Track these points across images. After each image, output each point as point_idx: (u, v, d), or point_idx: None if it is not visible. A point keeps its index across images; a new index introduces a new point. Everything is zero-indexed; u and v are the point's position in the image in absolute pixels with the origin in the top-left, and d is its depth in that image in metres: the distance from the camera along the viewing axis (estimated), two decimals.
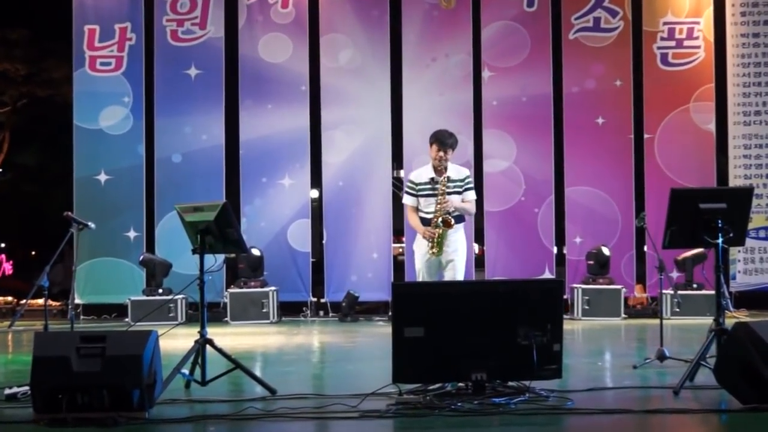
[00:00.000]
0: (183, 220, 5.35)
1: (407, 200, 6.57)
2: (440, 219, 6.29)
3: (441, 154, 6.36)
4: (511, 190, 11.23)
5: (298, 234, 11.25)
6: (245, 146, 11.30)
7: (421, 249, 6.47)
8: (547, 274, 11.03)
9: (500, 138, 11.24)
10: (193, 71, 11.26)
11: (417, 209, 6.51)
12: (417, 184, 6.50)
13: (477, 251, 11.98)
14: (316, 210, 12.18)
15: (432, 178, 6.41)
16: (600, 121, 11.25)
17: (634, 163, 11.24)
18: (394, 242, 11.45)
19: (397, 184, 12.30)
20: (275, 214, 11.27)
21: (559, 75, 11.27)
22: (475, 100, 11.27)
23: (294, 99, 11.28)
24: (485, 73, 11.30)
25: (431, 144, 6.45)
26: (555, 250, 11.36)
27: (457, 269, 6.40)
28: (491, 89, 11.29)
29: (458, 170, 6.51)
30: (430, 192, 6.40)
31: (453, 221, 6.29)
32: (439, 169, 6.39)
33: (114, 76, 11.24)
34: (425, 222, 6.42)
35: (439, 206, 6.32)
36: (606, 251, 10.76)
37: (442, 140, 6.40)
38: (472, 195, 6.50)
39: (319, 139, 11.31)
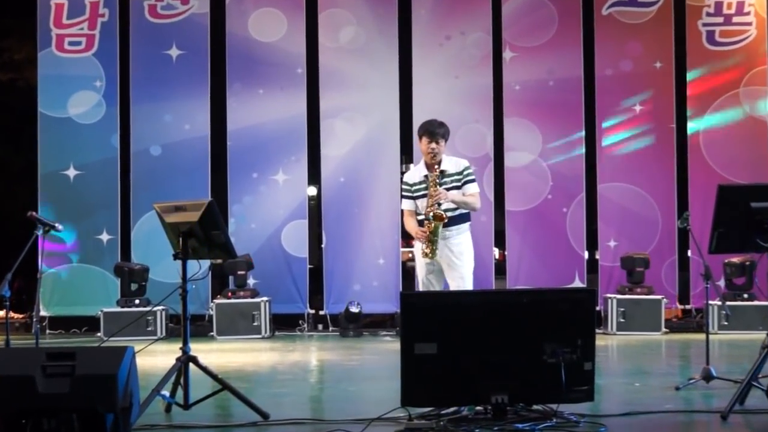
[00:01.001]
0: (163, 221, 5.35)
1: (404, 204, 6.60)
2: (430, 213, 6.29)
3: (432, 146, 6.39)
4: (536, 187, 11.22)
5: (294, 237, 11.26)
6: (233, 137, 11.31)
7: (420, 254, 6.50)
8: (577, 283, 11.02)
9: (524, 128, 11.24)
10: (174, 52, 11.29)
11: (415, 213, 6.53)
12: (412, 185, 6.52)
13: (497, 256, 11.97)
14: (314, 210, 12.18)
15: (426, 176, 6.44)
16: (638, 108, 11.24)
17: (677, 155, 11.22)
18: (402, 246, 11.46)
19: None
20: (268, 214, 11.28)
21: (591, 56, 11.26)
22: (495, 85, 11.27)
23: (289, 83, 11.29)
24: (506, 54, 11.30)
25: (420, 137, 6.50)
26: (586, 255, 11.35)
27: (464, 276, 6.40)
28: (513, 72, 11.28)
29: (455, 162, 6.52)
30: (425, 191, 6.41)
31: (445, 214, 6.28)
32: (432, 163, 6.41)
33: (84, 57, 11.26)
34: (421, 224, 6.44)
35: (429, 199, 6.32)
36: (644, 256, 10.74)
37: (431, 131, 6.44)
38: (473, 187, 6.51)
39: (318, 129, 11.31)
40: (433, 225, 6.28)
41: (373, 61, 11.34)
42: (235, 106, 11.32)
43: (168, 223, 5.31)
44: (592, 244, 11.60)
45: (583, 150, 11.23)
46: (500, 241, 11.60)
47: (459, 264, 6.40)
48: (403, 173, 11.70)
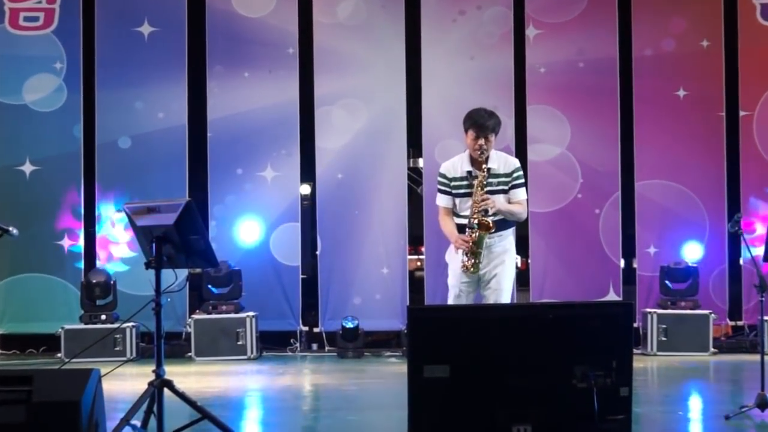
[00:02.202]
0: (133, 224, 5.36)
1: (440, 200, 6.58)
2: (475, 220, 6.28)
3: (481, 142, 6.36)
4: (564, 184, 11.22)
5: (285, 242, 11.26)
6: (215, 127, 11.31)
7: (454, 262, 6.48)
8: (612, 296, 11.01)
9: (550, 116, 11.23)
10: (146, 28, 11.29)
11: (452, 212, 6.51)
12: (451, 180, 6.50)
13: (519, 265, 11.97)
14: (308, 211, 12.18)
15: (470, 172, 6.42)
16: (681, 93, 11.23)
17: (726, 148, 11.21)
18: (410, 254, 11.44)
19: (415, 177, 12.31)
20: (254, 216, 11.28)
21: (628, 33, 11.25)
22: (516, 67, 11.26)
23: (278, 65, 11.29)
24: (530, 31, 11.29)
25: (466, 130, 6.45)
26: (622, 263, 11.34)
27: (502, 289, 6.41)
28: (538, 52, 11.28)
29: (505, 160, 6.51)
30: (468, 190, 6.40)
31: (492, 222, 6.28)
32: (480, 160, 6.39)
33: (42, 35, 11.27)
34: (462, 229, 6.41)
35: (475, 204, 6.31)
36: (690, 265, 10.72)
37: (481, 123, 6.38)
38: (522, 194, 6.51)
39: (312, 118, 11.31)
40: (477, 235, 6.27)
41: (376, 39, 11.34)
42: (217, 92, 11.32)
43: (139, 227, 5.32)
44: (628, 250, 11.57)
45: (618, 141, 11.22)
46: (522, 247, 11.56)
47: (498, 274, 6.40)
48: (410, 168, 11.77)
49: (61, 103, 11.23)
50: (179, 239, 5.20)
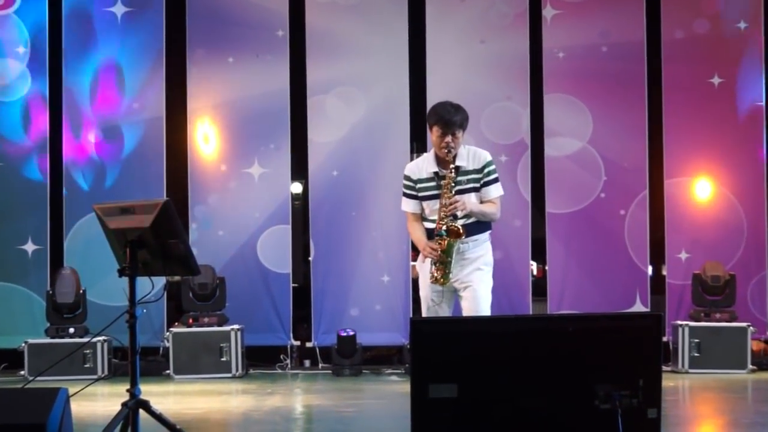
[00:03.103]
0: (105, 226, 5.36)
1: (406, 205, 6.61)
2: (443, 227, 6.29)
3: (448, 139, 6.37)
4: (585, 182, 11.22)
5: (274, 247, 11.27)
6: (196, 119, 11.33)
7: (424, 271, 6.51)
8: (639, 306, 11.02)
9: (569, 106, 11.24)
10: (119, 9, 11.30)
11: (421, 217, 6.53)
12: (416, 182, 6.53)
13: (535, 272, 11.98)
14: (300, 212, 12.18)
15: (436, 173, 6.44)
16: (716, 81, 11.24)
17: (767, 142, 11.22)
18: (413, 260, 11.45)
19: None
20: (240, 218, 11.29)
21: (657, 14, 11.26)
22: (532, 51, 11.27)
23: (267, 49, 11.30)
24: (547, 12, 11.30)
25: (430, 126, 6.48)
26: (650, 270, 11.35)
27: (478, 297, 6.42)
28: (556, 35, 11.29)
29: (474, 155, 6.50)
30: (436, 192, 6.42)
31: (462, 228, 6.29)
32: (446, 159, 6.40)
33: (2, 15, 11.27)
34: (429, 235, 6.44)
35: (442, 209, 6.32)
36: (725, 272, 10.72)
37: (447, 119, 6.39)
38: (494, 191, 6.51)
39: (304, 109, 11.32)
40: (446, 243, 6.28)
41: (375, 20, 11.36)
42: (198, 79, 11.33)
43: (112, 230, 5.32)
44: (657, 256, 11.58)
45: (646, 135, 11.23)
46: (539, 252, 11.59)
47: (474, 282, 6.41)
48: None
49: (24, 92, 11.24)
50: (156, 243, 5.21)
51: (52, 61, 11.28)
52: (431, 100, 11.13)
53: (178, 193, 11.07)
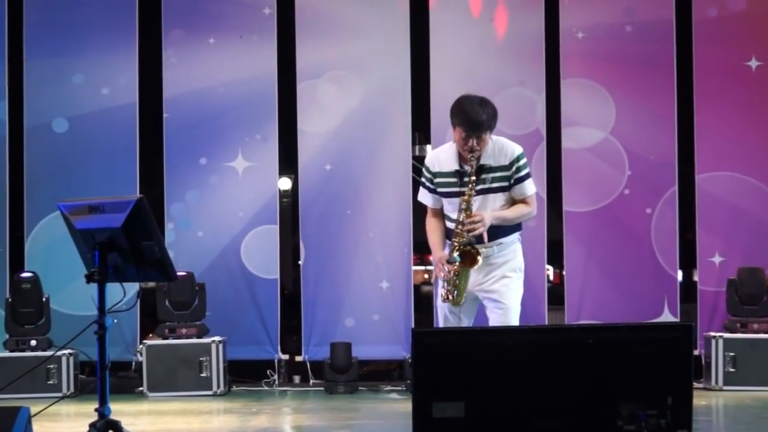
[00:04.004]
0: (71, 226, 5.36)
1: (424, 197, 6.59)
2: (456, 251, 6.27)
3: (472, 143, 6.33)
4: (607, 177, 11.22)
5: (260, 250, 11.27)
6: (172, 106, 11.33)
7: (439, 288, 6.51)
8: (667, 315, 11.02)
9: (589, 92, 11.24)
10: None
11: (441, 212, 6.52)
12: (435, 175, 6.52)
13: (551, 277, 12.00)
14: (289, 211, 12.18)
15: (458, 171, 6.42)
16: (753, 64, 11.23)
17: None
18: (415, 264, 11.46)
19: (421, 168, 12.31)
20: (221, 217, 11.30)
21: None
22: (548, 31, 11.26)
23: (252, 29, 11.30)
24: None
25: (454, 125, 6.44)
26: (680, 275, 11.35)
27: (508, 309, 6.40)
28: (575, 13, 11.28)
29: (501, 150, 6.45)
30: (455, 189, 6.40)
31: (480, 255, 6.27)
32: (469, 161, 6.37)
33: None
34: (451, 235, 6.43)
35: (460, 227, 6.29)
36: (764, 278, 10.72)
37: (475, 120, 6.32)
38: (528, 188, 6.48)
39: (293, 95, 11.32)
40: (460, 269, 6.27)
41: None
42: (175, 62, 11.33)
43: (78, 230, 5.32)
44: (687, 259, 11.59)
45: (675, 124, 11.23)
46: (556, 255, 11.59)
47: (502, 291, 6.40)
48: (416, 157, 11.76)
49: None
50: (128, 246, 5.21)
51: (12, 42, 11.28)
52: (435, 85, 11.18)
53: (152, 189, 11.08)
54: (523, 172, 6.43)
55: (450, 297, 6.32)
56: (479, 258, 6.24)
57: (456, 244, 6.26)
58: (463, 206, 6.28)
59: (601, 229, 11.22)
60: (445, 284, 6.32)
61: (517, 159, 6.41)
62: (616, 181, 11.23)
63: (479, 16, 11.32)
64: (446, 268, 6.26)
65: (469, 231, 6.23)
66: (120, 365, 10.77)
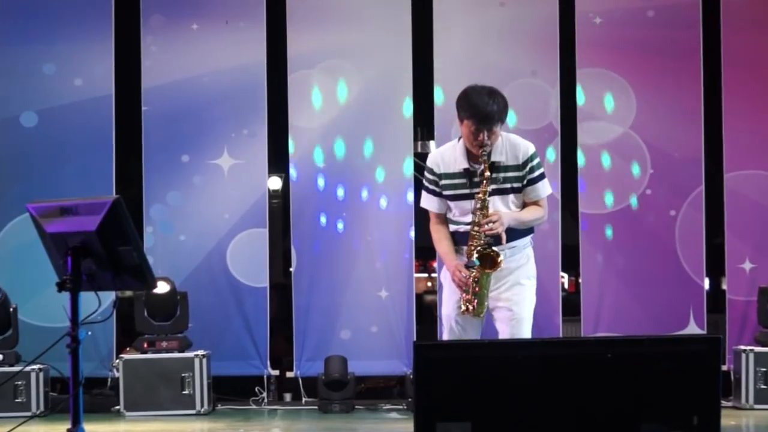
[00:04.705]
0: (41, 230, 5.36)
1: (428, 202, 6.60)
2: (474, 254, 6.27)
3: (483, 136, 6.33)
4: (627, 176, 11.22)
5: (247, 256, 11.27)
6: (152, 99, 11.33)
7: (451, 288, 6.50)
8: (693, 327, 11.02)
9: (608, 83, 11.24)
10: None
11: (445, 217, 6.52)
12: (440, 176, 6.51)
13: (566, 286, 12.00)
14: (279, 213, 12.18)
15: (467, 169, 6.41)
16: None
17: None
18: (417, 271, 11.46)
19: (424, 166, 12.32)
20: (206, 219, 11.30)
21: None
22: (563, 15, 11.26)
23: (239, 14, 11.30)
24: None
25: (461, 118, 6.45)
26: (707, 284, 11.34)
27: (520, 320, 6.42)
28: None
29: (513, 147, 6.48)
30: (465, 191, 6.40)
31: (500, 257, 6.27)
32: (480, 156, 6.36)
33: None
34: (461, 240, 6.43)
35: (476, 228, 6.30)
36: None
37: (484, 111, 6.34)
38: (542, 189, 6.50)
39: (285, 87, 11.33)
40: (480, 274, 6.27)
41: None
42: (155, 51, 11.33)
43: (49, 234, 5.32)
44: (716, 266, 11.58)
45: (702, 118, 11.23)
46: (571, 261, 11.59)
47: (514, 300, 6.40)
48: (418, 155, 11.76)
49: None
50: (104, 251, 5.21)
51: None
52: (438, 76, 11.20)
53: (130, 189, 11.08)
54: (537, 172, 6.45)
55: (470, 307, 6.31)
56: (500, 260, 6.25)
57: (473, 247, 6.26)
58: (479, 205, 6.28)
59: (620, 233, 11.22)
60: (464, 294, 6.31)
61: (531, 158, 6.44)
62: (636, 180, 11.23)
63: (487, 1, 11.32)
64: (465, 274, 6.26)
65: (486, 231, 6.23)
66: (94, 382, 10.77)
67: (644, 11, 11.25)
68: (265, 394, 11.10)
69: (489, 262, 6.26)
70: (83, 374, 5.36)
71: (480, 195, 6.30)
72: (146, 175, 11.31)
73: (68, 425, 5.26)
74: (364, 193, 11.29)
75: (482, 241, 6.26)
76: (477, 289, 6.30)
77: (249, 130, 11.32)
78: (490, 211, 6.29)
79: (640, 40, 11.26)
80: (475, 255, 6.25)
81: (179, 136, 11.33)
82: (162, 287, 10.41)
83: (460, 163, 6.43)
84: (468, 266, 6.27)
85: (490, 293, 6.40)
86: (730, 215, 11.24)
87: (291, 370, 11.28)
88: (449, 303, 6.51)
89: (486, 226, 6.24)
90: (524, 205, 6.49)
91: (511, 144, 6.45)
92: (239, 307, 11.22)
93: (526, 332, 6.44)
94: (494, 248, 6.26)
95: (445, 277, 6.61)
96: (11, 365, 10.29)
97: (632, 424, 4.62)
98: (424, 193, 6.63)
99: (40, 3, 11.27)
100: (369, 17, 11.33)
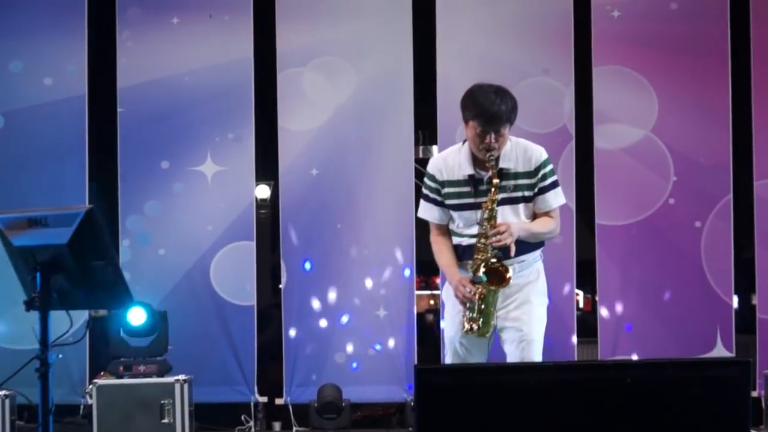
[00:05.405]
0: (7, 243, 5.37)
1: (427, 212, 6.61)
2: (481, 268, 6.26)
3: (489, 140, 6.32)
4: (648, 184, 11.23)
5: (233, 271, 11.29)
6: (128, 100, 11.34)
7: (454, 307, 6.50)
8: (720, 350, 11.03)
9: (627, 82, 11.26)
10: None
11: (447, 228, 6.53)
12: (443, 184, 6.51)
13: (581, 304, 12.00)
14: (267, 224, 12.18)
15: (472, 176, 6.41)
16: None
17: None
18: (419, 288, 11.46)
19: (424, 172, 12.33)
20: (187, 231, 11.32)
21: None
22: (578, 8, 11.27)
23: (224, 7, 11.33)
24: None
25: (466, 121, 6.45)
26: (735, 302, 11.35)
27: (531, 342, 6.42)
28: None
29: (523, 152, 6.49)
30: (470, 200, 6.41)
31: (509, 273, 6.27)
32: (487, 161, 6.35)
33: None
34: (464, 254, 6.44)
35: (483, 240, 6.29)
36: None
37: (490, 111, 6.34)
38: (554, 199, 6.51)
39: (274, 86, 11.35)
40: (486, 291, 6.26)
41: None
42: (131, 47, 11.35)
43: (16, 248, 5.32)
44: (745, 282, 11.59)
45: (730, 121, 11.23)
46: (587, 277, 11.59)
47: (524, 319, 6.41)
48: (419, 160, 11.77)
49: None
50: (76, 266, 5.22)
51: None
52: (442, 75, 11.20)
53: (105, 198, 11.08)
54: (549, 180, 6.44)
55: (474, 327, 6.31)
56: (509, 275, 6.24)
57: (480, 260, 6.25)
58: (486, 215, 6.28)
59: (640, 247, 11.23)
60: (467, 311, 6.31)
61: (544, 164, 6.44)
62: (658, 188, 11.24)
63: None
64: (469, 289, 6.25)
65: (494, 243, 6.23)
66: (66, 409, 10.79)
67: (667, 3, 11.25)
68: (252, 423, 11.13)
69: (497, 277, 6.25)
70: (53, 401, 5.36)
71: (487, 204, 6.29)
72: (122, 183, 11.31)
73: None
74: (361, 203, 11.30)
75: (489, 255, 6.26)
76: (483, 306, 6.29)
77: (235, 134, 11.33)
78: (499, 221, 6.29)
79: (663, 35, 11.27)
80: (482, 269, 6.24)
81: (158, 141, 11.34)
82: (136, 316, 10.39)
83: (465, 169, 6.43)
84: (474, 281, 6.26)
85: (498, 312, 6.40)
86: (761, 226, 11.25)
87: (281, 396, 11.27)
88: (452, 323, 6.50)
89: (494, 238, 6.22)
90: (534, 216, 6.48)
91: (521, 149, 6.45)
92: (224, 328, 11.23)
93: (536, 355, 6.44)
94: (504, 262, 6.26)
95: (447, 295, 6.60)
96: None
97: None
98: (422, 202, 6.63)
99: None
100: (366, 10, 11.35)
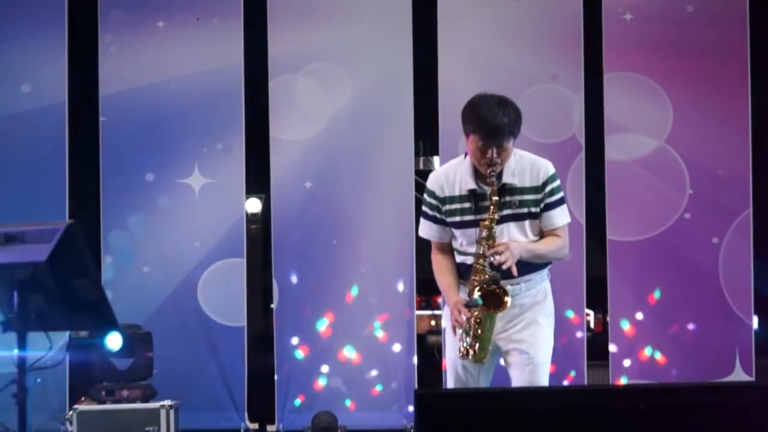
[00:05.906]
0: None
1: (426, 230, 6.61)
2: (476, 292, 6.25)
3: (491, 153, 6.31)
4: (663, 197, 11.23)
5: (221, 290, 11.29)
6: (111, 108, 11.34)
7: (454, 341, 6.51)
8: (740, 374, 11.02)
9: (640, 90, 11.26)
10: None
11: (449, 246, 6.53)
12: (443, 201, 6.53)
13: (592, 325, 12.00)
14: (259, 240, 12.19)
15: (473, 191, 6.42)
16: None
17: None
18: (419, 307, 11.46)
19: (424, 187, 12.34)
20: (173, 248, 11.32)
21: None
22: (588, 11, 11.29)
23: (212, 10, 11.34)
24: None
25: (468, 133, 6.45)
26: (755, 322, 11.35)
27: (538, 364, 6.43)
28: None
29: (529, 167, 6.48)
30: (471, 217, 6.41)
31: (508, 296, 6.26)
32: (488, 177, 6.34)
33: None
34: (467, 273, 6.45)
35: (480, 261, 6.29)
36: None
37: (493, 124, 6.33)
38: (560, 217, 6.50)
39: (265, 94, 11.36)
40: (484, 315, 6.26)
41: None
42: (114, 52, 11.36)
43: None
44: (766, 302, 11.58)
45: (750, 130, 11.25)
46: (597, 296, 11.60)
47: (531, 341, 6.41)
48: (420, 172, 11.78)
49: None
50: (56, 285, 5.22)
51: None
52: (444, 82, 11.21)
53: (86, 213, 11.09)
54: (556, 196, 6.44)
55: (469, 352, 6.31)
56: (507, 299, 6.22)
57: (476, 282, 6.24)
58: (484, 234, 6.26)
59: (654, 264, 11.23)
60: (463, 335, 6.30)
61: (552, 179, 6.43)
62: (673, 202, 11.25)
63: None
64: (464, 315, 6.25)
65: (491, 265, 6.22)
66: None
67: (682, 6, 11.27)
68: None
69: (495, 301, 6.22)
70: (31, 428, 5.37)
71: (486, 222, 6.27)
72: (104, 196, 11.32)
73: None
74: (357, 218, 11.31)
75: (487, 276, 6.24)
76: (479, 331, 6.28)
77: (224, 145, 11.34)
78: (503, 240, 6.28)
79: (678, 40, 11.28)
80: (477, 293, 6.22)
81: (143, 151, 11.34)
82: (114, 341, 10.38)
83: (467, 184, 6.42)
84: (468, 305, 6.23)
85: (502, 334, 6.40)
86: None
87: (272, 423, 11.28)
88: (454, 345, 6.49)
89: (492, 258, 6.20)
90: (542, 234, 6.48)
91: (528, 162, 6.43)
92: (212, 350, 11.23)
93: (543, 379, 6.44)
94: (501, 285, 6.23)
95: (447, 322, 6.60)
96: None
97: None
98: (422, 220, 6.62)
99: None
100: (364, 13, 11.36)
